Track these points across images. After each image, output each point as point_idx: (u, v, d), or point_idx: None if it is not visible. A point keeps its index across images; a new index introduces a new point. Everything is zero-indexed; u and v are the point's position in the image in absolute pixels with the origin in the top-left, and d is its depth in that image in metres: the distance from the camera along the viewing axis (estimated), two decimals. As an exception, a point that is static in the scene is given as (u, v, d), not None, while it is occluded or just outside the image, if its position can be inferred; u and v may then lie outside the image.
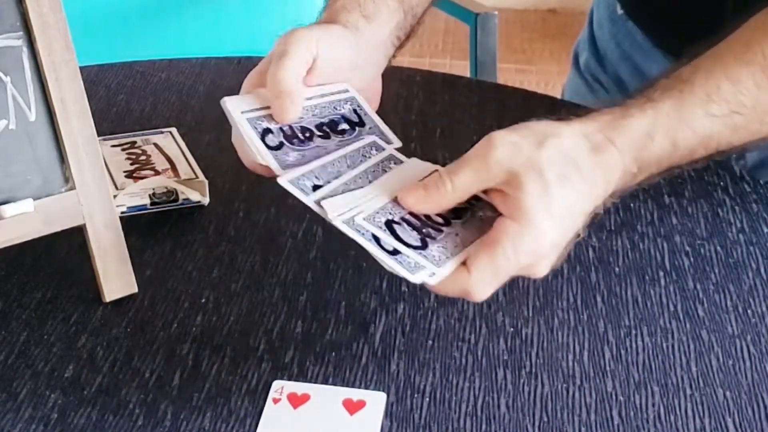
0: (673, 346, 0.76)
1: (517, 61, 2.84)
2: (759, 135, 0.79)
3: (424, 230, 0.72)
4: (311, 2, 1.50)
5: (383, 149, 0.78)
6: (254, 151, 0.75)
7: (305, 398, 0.71)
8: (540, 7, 3.19)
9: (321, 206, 0.72)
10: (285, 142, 0.76)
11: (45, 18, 0.74)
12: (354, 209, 0.72)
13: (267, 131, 0.76)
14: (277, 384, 0.72)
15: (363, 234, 0.70)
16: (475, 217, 0.74)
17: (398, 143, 0.79)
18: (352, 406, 0.70)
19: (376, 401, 0.71)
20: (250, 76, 0.80)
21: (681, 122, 0.75)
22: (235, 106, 0.76)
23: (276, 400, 0.71)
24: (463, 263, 0.72)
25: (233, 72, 1.13)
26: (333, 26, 0.82)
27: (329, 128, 0.78)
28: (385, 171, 0.76)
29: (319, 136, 0.77)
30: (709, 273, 0.84)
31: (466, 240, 0.72)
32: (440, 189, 0.71)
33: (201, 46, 1.44)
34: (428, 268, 0.70)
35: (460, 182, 0.71)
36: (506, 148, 0.70)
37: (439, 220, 0.73)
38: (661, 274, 0.83)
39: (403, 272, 0.69)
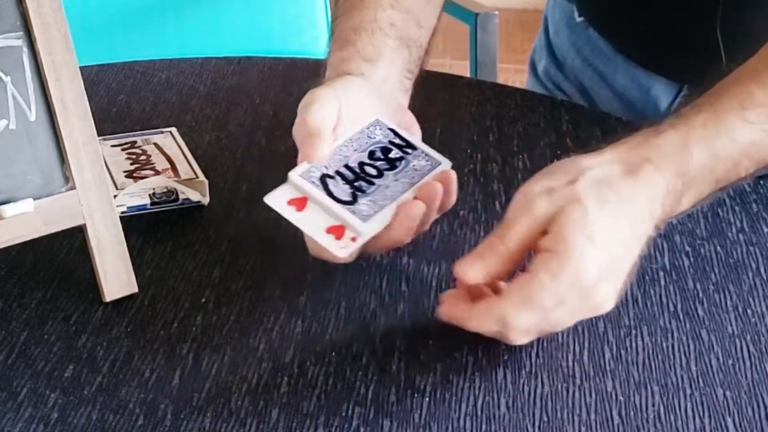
0: (673, 346, 0.76)
1: (517, 61, 2.84)
2: None
3: (356, 183, 0.76)
4: (311, 2, 1.50)
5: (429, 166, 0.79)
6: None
7: (304, 201, 0.75)
8: (540, 7, 3.17)
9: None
10: (355, 191, 0.76)
11: (45, 18, 0.74)
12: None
13: (324, 178, 0.76)
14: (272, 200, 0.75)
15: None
16: (409, 167, 0.78)
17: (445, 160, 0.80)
18: (336, 231, 0.74)
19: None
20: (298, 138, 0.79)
21: (717, 132, 0.74)
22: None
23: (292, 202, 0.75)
24: (497, 292, 0.73)
25: (233, 72, 1.13)
26: (346, 78, 0.81)
27: (380, 158, 0.79)
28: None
29: (375, 176, 0.77)
30: (709, 273, 0.84)
31: (395, 192, 0.76)
32: (494, 250, 0.71)
33: (201, 46, 1.45)
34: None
35: (513, 242, 0.71)
36: (543, 194, 0.71)
37: (373, 171, 0.77)
38: (661, 274, 0.83)
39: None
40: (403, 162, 0.78)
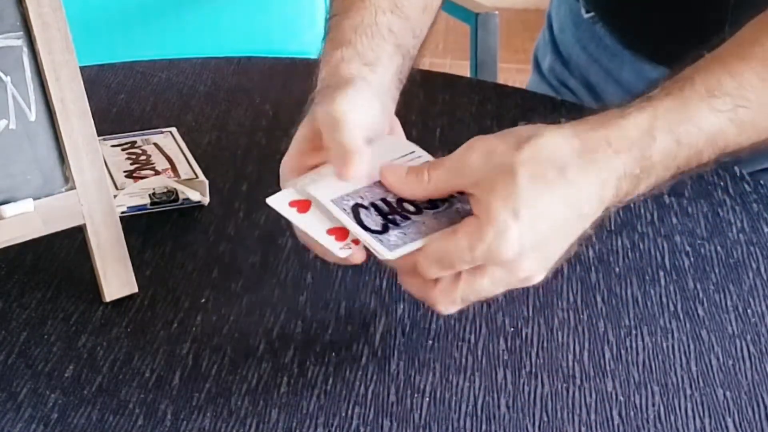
0: (673, 346, 0.76)
1: (518, 61, 2.84)
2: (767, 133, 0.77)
3: (390, 216, 0.73)
4: (311, 2, 1.50)
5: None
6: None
7: (307, 203, 0.73)
8: (540, 7, 3.18)
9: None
10: (387, 223, 0.73)
11: (45, 18, 0.74)
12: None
13: (357, 207, 0.73)
14: (275, 202, 0.73)
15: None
16: (451, 208, 0.74)
17: None
18: (338, 232, 0.73)
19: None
20: (284, 163, 0.76)
21: (683, 118, 0.73)
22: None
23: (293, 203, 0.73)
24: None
25: (233, 72, 1.13)
26: (356, 86, 0.78)
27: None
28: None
29: (412, 213, 0.74)
30: (709, 273, 0.84)
31: (430, 229, 0.72)
32: (418, 178, 0.72)
33: (201, 46, 1.44)
34: (378, 252, 0.70)
35: (435, 178, 0.72)
36: (481, 153, 0.70)
37: (411, 208, 0.73)
38: (661, 274, 0.83)
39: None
40: (446, 203, 0.74)
